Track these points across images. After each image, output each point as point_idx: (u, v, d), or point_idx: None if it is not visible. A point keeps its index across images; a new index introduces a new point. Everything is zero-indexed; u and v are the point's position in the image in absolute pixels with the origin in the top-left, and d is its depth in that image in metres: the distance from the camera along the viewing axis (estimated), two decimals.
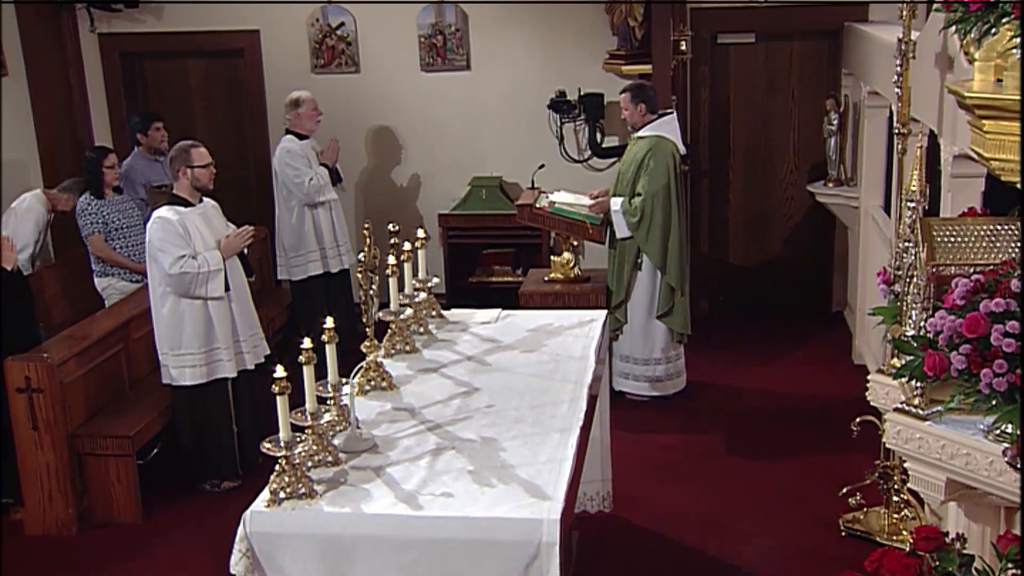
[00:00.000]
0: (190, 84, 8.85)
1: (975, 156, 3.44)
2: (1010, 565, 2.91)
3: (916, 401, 3.35)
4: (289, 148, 7.34)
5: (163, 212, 5.69)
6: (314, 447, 3.62)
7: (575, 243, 6.90)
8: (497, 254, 8.38)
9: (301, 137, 7.41)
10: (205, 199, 5.87)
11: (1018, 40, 3.02)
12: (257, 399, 5.94)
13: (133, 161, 7.65)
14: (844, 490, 5.43)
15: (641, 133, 6.73)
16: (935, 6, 4.06)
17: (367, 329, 4.23)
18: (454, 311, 5.28)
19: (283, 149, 7.36)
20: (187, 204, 5.75)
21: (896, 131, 4.94)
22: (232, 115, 8.81)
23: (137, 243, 6.86)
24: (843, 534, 5.29)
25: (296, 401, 3.50)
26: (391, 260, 4.51)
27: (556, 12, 8.12)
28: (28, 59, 8.25)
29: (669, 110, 6.93)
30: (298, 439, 3.51)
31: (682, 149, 6.81)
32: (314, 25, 8.39)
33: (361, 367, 4.24)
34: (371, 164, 8.58)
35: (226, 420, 5.95)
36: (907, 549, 3.18)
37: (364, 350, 4.28)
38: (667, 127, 6.73)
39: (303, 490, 3.44)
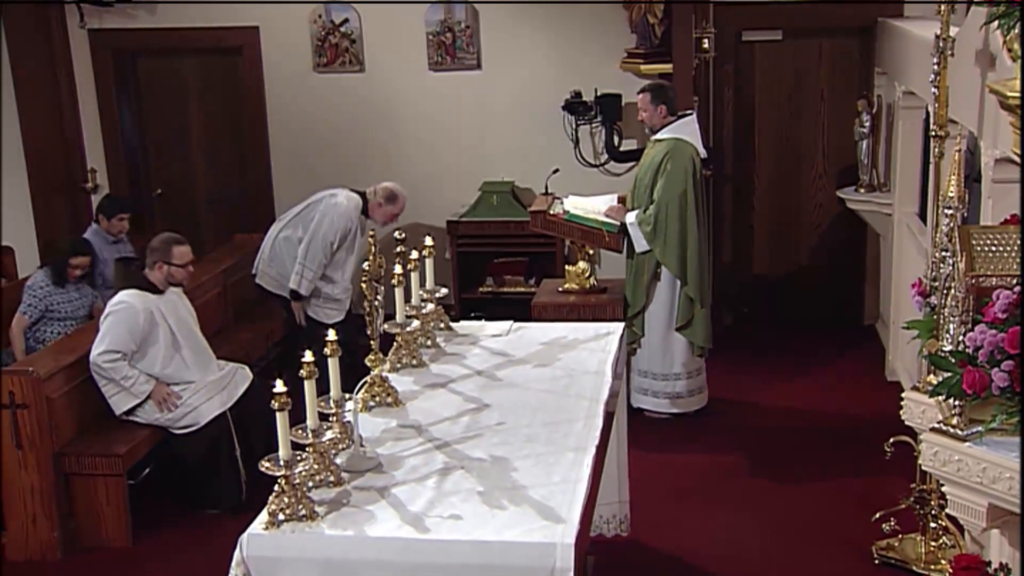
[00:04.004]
0: (186, 84, 8.89)
1: (1017, 160, 3.43)
2: None
3: (954, 421, 3.33)
4: (345, 208, 6.97)
5: (130, 299, 5.76)
6: (315, 466, 3.62)
7: (591, 252, 6.89)
8: (509, 263, 8.39)
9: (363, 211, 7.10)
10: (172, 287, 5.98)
11: None
12: (258, 414, 5.96)
13: (91, 237, 7.24)
14: (877, 515, 5.40)
15: (659, 135, 6.74)
16: (976, 0, 4.06)
17: (372, 342, 4.23)
18: (463, 323, 5.29)
19: (339, 204, 6.99)
20: (156, 291, 5.87)
21: (933, 133, 4.93)
22: (230, 117, 8.84)
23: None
24: (876, 562, 5.26)
25: (297, 417, 3.50)
26: (397, 269, 4.51)
27: (571, 9, 8.13)
28: (14, 56, 8.30)
29: (688, 111, 6.93)
30: (299, 458, 3.51)
31: (703, 152, 6.82)
32: (316, 22, 8.41)
33: (365, 382, 4.24)
34: (376, 168, 8.58)
35: (220, 451, 5.96)
36: None
37: (369, 364, 4.28)
38: (686, 129, 6.73)
39: (303, 511, 3.44)
